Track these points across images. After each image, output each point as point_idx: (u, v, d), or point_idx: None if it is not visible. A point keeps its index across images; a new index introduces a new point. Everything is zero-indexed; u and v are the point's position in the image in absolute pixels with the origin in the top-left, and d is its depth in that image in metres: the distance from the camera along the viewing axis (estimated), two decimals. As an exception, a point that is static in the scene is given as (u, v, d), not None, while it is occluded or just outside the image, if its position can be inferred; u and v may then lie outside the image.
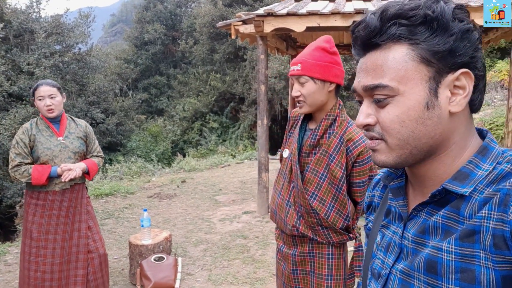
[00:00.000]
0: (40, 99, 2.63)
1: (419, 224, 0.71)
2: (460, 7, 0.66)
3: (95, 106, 15.77)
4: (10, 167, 2.61)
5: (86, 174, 2.77)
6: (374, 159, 0.72)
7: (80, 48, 15.78)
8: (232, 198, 6.52)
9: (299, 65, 1.67)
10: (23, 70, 12.55)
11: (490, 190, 0.62)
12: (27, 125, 2.68)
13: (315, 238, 1.76)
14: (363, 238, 1.43)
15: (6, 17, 12.66)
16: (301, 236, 1.80)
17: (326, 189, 1.72)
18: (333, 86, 1.70)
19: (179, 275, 3.53)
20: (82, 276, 2.76)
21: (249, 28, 5.45)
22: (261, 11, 5.16)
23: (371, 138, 0.71)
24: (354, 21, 4.81)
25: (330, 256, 1.77)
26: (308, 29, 5.04)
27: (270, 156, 6.77)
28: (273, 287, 3.45)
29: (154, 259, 3.42)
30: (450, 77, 0.65)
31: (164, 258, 3.45)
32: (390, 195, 0.81)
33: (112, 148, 17.38)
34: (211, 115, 18.72)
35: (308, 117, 1.85)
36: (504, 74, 12.18)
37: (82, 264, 2.76)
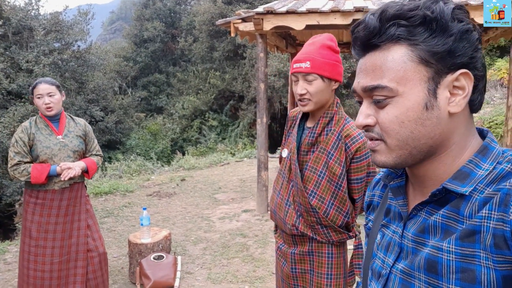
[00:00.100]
0: (39, 97, 2.63)
1: (419, 224, 0.71)
2: (459, 7, 0.66)
3: (94, 104, 15.75)
4: (9, 165, 2.60)
5: (85, 173, 2.77)
6: (374, 160, 0.72)
7: (79, 46, 15.77)
8: (231, 197, 6.52)
9: (308, 62, 1.64)
10: (22, 68, 12.52)
11: (490, 190, 0.62)
12: (26, 123, 2.68)
13: (314, 237, 1.76)
14: (362, 236, 1.43)
15: (5, 14, 12.62)
16: (300, 236, 1.80)
17: (325, 186, 1.72)
18: (336, 85, 1.71)
19: (178, 274, 3.53)
20: (81, 275, 2.76)
21: (249, 26, 5.44)
22: (260, 9, 5.15)
23: (371, 139, 0.71)
24: (353, 19, 4.81)
25: (330, 255, 1.77)
26: (308, 27, 5.04)
27: (269, 155, 6.77)
28: (272, 285, 3.45)
29: (154, 258, 3.42)
30: (449, 77, 0.65)
31: (163, 257, 3.45)
32: (390, 194, 0.81)
33: (112, 146, 17.38)
34: (210, 113, 18.71)
35: (306, 116, 1.85)
36: (503, 72, 12.18)
37: (82, 263, 2.76)
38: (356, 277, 1.83)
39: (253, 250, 4.27)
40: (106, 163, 11.98)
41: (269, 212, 2.02)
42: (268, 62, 13.52)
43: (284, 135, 1.97)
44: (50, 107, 2.63)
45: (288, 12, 4.97)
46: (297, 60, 1.69)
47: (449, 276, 0.62)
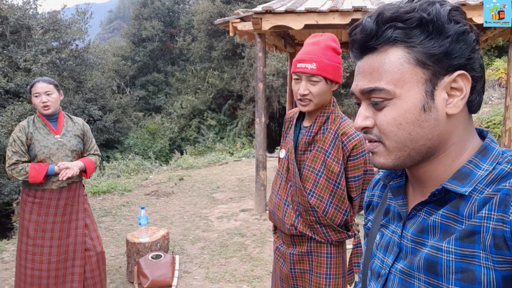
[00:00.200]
0: (36, 96, 2.62)
1: (418, 224, 0.71)
2: (456, 8, 0.66)
3: (93, 103, 15.73)
4: (7, 165, 2.59)
5: (83, 172, 2.76)
6: (373, 162, 0.72)
7: (77, 45, 15.75)
8: (229, 196, 6.52)
9: (315, 64, 1.63)
10: (20, 67, 12.50)
11: (490, 190, 0.62)
12: (24, 122, 2.67)
13: (313, 237, 1.76)
14: (361, 235, 1.43)
15: (2, 13, 12.59)
16: (299, 236, 1.80)
17: (323, 185, 1.72)
18: (336, 86, 1.71)
19: (176, 273, 3.53)
20: (79, 274, 2.75)
21: (247, 26, 5.43)
22: (259, 8, 5.15)
23: (370, 141, 0.71)
24: (352, 19, 4.81)
25: (329, 255, 1.78)
26: (306, 26, 5.04)
27: (268, 154, 6.77)
28: (270, 285, 3.45)
29: (152, 257, 3.42)
30: (447, 79, 0.65)
31: (161, 256, 3.45)
32: (390, 194, 0.81)
33: (110, 145, 17.36)
34: (209, 112, 18.71)
35: (302, 115, 1.86)
36: (501, 72, 12.21)
37: (79, 262, 2.76)
38: (355, 275, 1.84)
39: (251, 249, 4.27)
40: (104, 162, 11.96)
41: (267, 211, 2.02)
42: (267, 61, 13.52)
43: (282, 136, 1.98)
44: (47, 106, 2.62)
45: (286, 12, 4.97)
46: (301, 60, 1.67)
47: (448, 277, 0.62)
